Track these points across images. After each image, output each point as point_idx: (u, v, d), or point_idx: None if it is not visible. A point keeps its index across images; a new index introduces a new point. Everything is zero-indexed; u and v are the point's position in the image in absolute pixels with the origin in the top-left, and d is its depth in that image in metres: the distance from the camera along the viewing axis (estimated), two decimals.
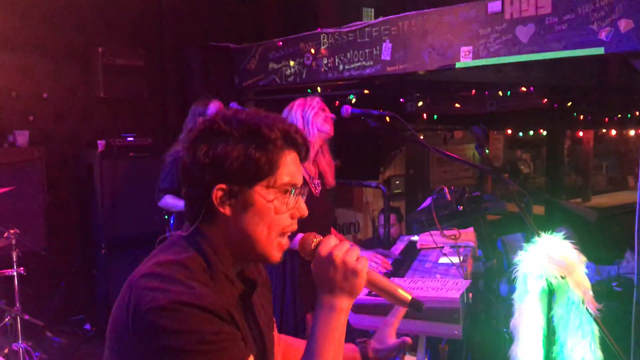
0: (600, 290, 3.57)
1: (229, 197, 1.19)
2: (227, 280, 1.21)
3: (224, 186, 1.18)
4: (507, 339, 2.15)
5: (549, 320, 2.06)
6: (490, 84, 5.33)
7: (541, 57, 3.36)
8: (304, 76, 4.76)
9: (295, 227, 1.27)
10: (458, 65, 3.70)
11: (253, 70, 5.29)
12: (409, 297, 1.33)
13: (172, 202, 3.90)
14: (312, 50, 4.65)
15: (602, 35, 3.01)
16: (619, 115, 6.59)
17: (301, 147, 1.27)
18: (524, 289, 2.08)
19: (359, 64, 4.31)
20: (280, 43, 4.97)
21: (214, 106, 4.10)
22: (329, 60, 4.54)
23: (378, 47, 4.18)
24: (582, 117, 6.45)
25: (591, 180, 9.24)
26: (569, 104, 5.80)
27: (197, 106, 4.18)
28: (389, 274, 2.64)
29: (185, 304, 1.06)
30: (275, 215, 1.22)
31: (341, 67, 4.45)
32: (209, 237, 1.22)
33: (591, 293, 2.03)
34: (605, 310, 2.14)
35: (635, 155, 2.68)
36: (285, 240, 1.26)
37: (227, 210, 1.20)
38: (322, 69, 4.55)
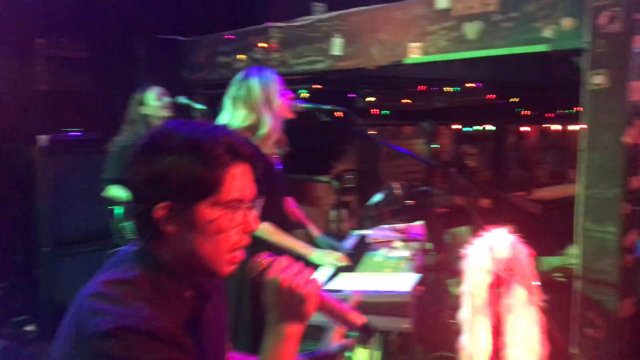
0: (544, 281, 3.68)
1: (173, 215, 1.14)
2: (177, 298, 1.17)
3: (166, 204, 1.14)
4: (456, 331, 2.18)
5: (497, 312, 2.11)
6: (438, 80, 5.42)
7: (488, 54, 3.42)
8: None
9: (246, 242, 1.23)
10: (406, 61, 3.73)
11: (201, 63, 5.20)
12: (360, 322, 1.32)
13: (116, 192, 3.84)
14: (262, 44, 4.61)
15: (547, 33, 3.09)
16: (562, 111, 6.82)
17: (250, 159, 1.22)
18: (472, 282, 2.13)
19: (309, 58, 4.29)
20: (229, 36, 4.91)
21: (154, 94, 4.06)
22: (279, 55, 4.51)
23: (328, 42, 4.17)
24: (527, 112, 6.64)
25: (534, 173, 9.53)
26: (515, 100, 5.96)
27: (137, 95, 4.14)
28: (346, 269, 2.64)
29: (130, 329, 1.02)
30: (222, 233, 1.17)
31: (291, 61, 4.42)
32: (158, 253, 1.18)
33: (536, 284, 2.09)
34: (548, 300, 2.21)
35: (575, 149, 2.80)
36: (238, 253, 1.22)
37: (172, 228, 1.15)
38: (272, 64, 4.51)
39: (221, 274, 1.21)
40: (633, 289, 2.98)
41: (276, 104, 2.80)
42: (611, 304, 2.86)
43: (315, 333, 1.61)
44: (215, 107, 3.04)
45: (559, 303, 3.23)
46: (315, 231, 3.15)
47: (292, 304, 1.18)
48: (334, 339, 1.55)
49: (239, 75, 2.91)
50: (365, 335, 1.34)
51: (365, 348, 1.55)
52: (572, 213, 3.00)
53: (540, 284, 2.16)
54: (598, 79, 2.84)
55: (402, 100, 5.66)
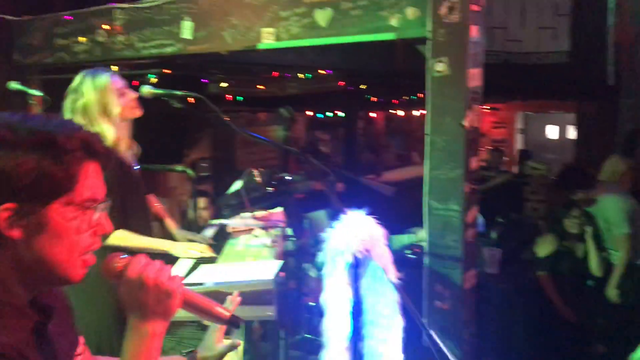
0: (397, 259, 3.88)
1: (19, 218, 1.02)
2: (15, 312, 1.05)
3: (12, 206, 1.01)
4: (319, 314, 2.22)
5: (356, 292, 2.18)
6: (292, 67, 5.46)
7: (337, 41, 3.50)
8: (97, 54, 4.40)
9: (99, 245, 1.15)
10: (260, 46, 3.70)
11: (37, 46, 4.76)
12: (227, 315, 1.29)
13: None
14: (105, 27, 4.31)
15: (393, 22, 3.22)
16: (406, 98, 7.22)
17: (103, 157, 1.13)
18: (331, 264, 2.17)
19: (158, 42, 4.10)
20: (68, 17, 4.53)
21: None
22: (125, 38, 4.25)
23: (178, 25, 4.01)
24: (374, 99, 6.94)
25: (382, 157, 10.07)
26: (363, 86, 6.19)
27: None
28: (207, 260, 2.58)
29: None
30: (76, 235, 1.08)
31: (138, 45, 4.19)
32: None
33: (392, 263, 2.18)
34: (402, 276, 2.32)
35: (419, 133, 2.99)
36: (89, 256, 1.13)
37: (16, 233, 1.03)
38: (118, 47, 4.24)
39: (71, 280, 1.12)
40: (474, 261, 3.24)
41: (116, 112, 2.66)
42: (456, 277, 3.08)
43: (172, 328, 1.55)
44: (52, 93, 2.79)
45: (410, 278, 3.42)
46: (173, 225, 3.04)
47: (156, 301, 1.14)
48: (216, 340, 1.50)
49: (75, 81, 2.71)
50: (232, 327, 1.31)
51: (228, 339, 1.53)
52: (418, 194, 3.17)
53: (393, 261, 2.26)
54: (440, 67, 3.02)
55: (257, 87, 5.63)
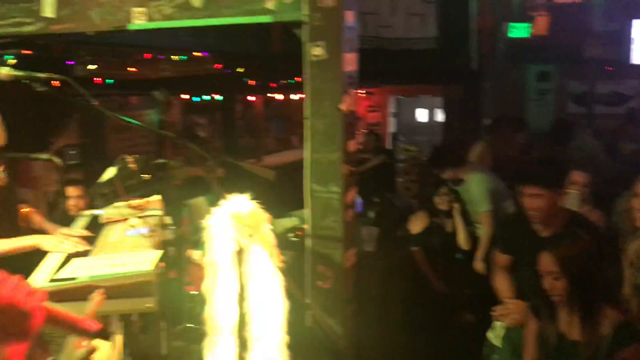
0: (281, 242, 3.90)
1: None
2: None
3: None
4: (201, 302, 2.18)
5: (240, 278, 2.16)
6: (165, 48, 5.26)
7: (212, 23, 3.41)
8: None
9: None
10: (130, 27, 3.52)
11: None
12: (95, 328, 1.22)
13: None
14: None
15: (269, 5, 3.19)
16: (285, 81, 7.24)
17: None
18: (213, 251, 2.13)
19: (15, 19, 3.76)
20: None
21: None
22: None
23: (38, 2, 3.70)
24: (252, 82, 6.89)
25: (262, 141, 10.05)
26: (240, 69, 6.12)
27: None
28: (79, 254, 2.43)
29: None
30: None
31: None
32: None
33: (275, 247, 2.19)
34: (285, 259, 2.34)
35: (299, 117, 3.02)
36: None
37: None
38: None
39: None
40: (354, 240, 3.34)
41: None
42: (337, 257, 3.16)
43: None
44: None
45: (293, 260, 3.47)
46: (40, 218, 2.83)
47: (11, 322, 1.04)
48: (75, 345, 1.41)
49: None
50: (101, 339, 1.24)
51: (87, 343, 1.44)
52: (298, 177, 3.21)
53: (276, 245, 2.27)
54: (317, 51, 3.05)
55: (128, 69, 5.37)
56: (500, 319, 2.83)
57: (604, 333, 2.17)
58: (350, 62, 3.11)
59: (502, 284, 3.01)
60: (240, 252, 2.10)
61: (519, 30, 8.15)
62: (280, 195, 4.02)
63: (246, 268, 2.12)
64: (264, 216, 2.13)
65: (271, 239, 2.13)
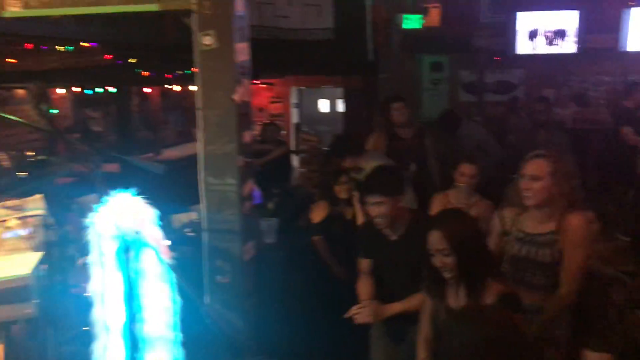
0: (176, 238, 3.81)
1: None
2: None
3: None
4: (89, 304, 2.08)
5: (128, 277, 2.08)
6: (49, 38, 4.93)
7: (96, 11, 3.25)
8: None
9: None
10: (5, 14, 3.28)
11: None
12: None
13: None
14: None
15: None
16: (180, 72, 7.04)
17: None
18: (98, 250, 2.04)
19: None
20: None
21: None
22: None
23: None
24: (146, 73, 6.63)
25: (161, 134, 9.74)
26: (133, 60, 5.88)
27: None
28: None
29: None
30: None
31: None
32: None
33: (165, 243, 2.12)
34: (180, 255, 2.27)
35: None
36: None
37: None
38: None
39: None
40: (252, 233, 3.31)
41: None
42: (235, 250, 3.12)
43: None
44: None
45: (191, 255, 3.39)
46: None
47: None
48: None
49: None
50: None
51: None
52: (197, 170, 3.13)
53: (171, 242, 2.20)
54: (207, 40, 2.98)
55: (6, 60, 5.01)
56: (355, 319, 2.92)
57: (489, 303, 2.28)
58: (242, 51, 3.07)
59: (362, 286, 3.16)
60: (126, 250, 2.02)
61: (412, 22, 8.42)
62: (179, 189, 3.91)
63: (134, 266, 2.05)
64: (150, 212, 2.06)
65: (159, 235, 2.06)
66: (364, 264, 3.21)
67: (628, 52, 8.78)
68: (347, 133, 7.41)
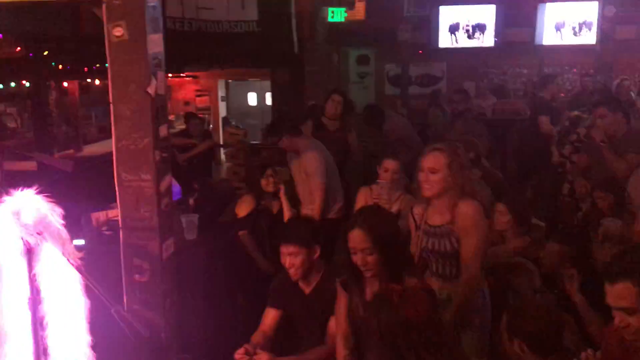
0: (93, 237, 3.67)
1: None
2: None
3: None
4: None
5: (32, 279, 1.98)
6: None
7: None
8: None
9: None
10: None
11: None
12: None
13: None
14: None
15: None
16: (98, 65, 6.77)
17: None
18: None
19: None
20: None
21: None
22: None
23: None
24: (62, 66, 6.35)
25: (82, 130, 9.37)
26: (45, 53, 5.61)
27: None
28: None
29: None
30: None
31: None
32: None
33: (71, 244, 2.03)
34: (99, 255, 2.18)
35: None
36: None
37: None
38: None
39: None
40: (172, 229, 3.22)
41: None
42: (153, 248, 3.03)
43: None
44: None
45: (111, 255, 3.26)
46: None
47: None
48: None
49: None
50: None
51: None
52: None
53: (85, 241, 2.11)
54: (117, 31, 2.87)
55: None
56: None
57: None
58: (155, 43, 2.97)
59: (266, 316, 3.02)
60: (29, 252, 1.92)
61: (337, 15, 8.46)
62: (100, 186, 3.75)
63: (38, 268, 1.95)
64: (57, 211, 1.96)
65: (65, 235, 1.97)
66: (271, 314, 3.02)
67: (544, 45, 9.18)
68: (285, 113, 7.35)
